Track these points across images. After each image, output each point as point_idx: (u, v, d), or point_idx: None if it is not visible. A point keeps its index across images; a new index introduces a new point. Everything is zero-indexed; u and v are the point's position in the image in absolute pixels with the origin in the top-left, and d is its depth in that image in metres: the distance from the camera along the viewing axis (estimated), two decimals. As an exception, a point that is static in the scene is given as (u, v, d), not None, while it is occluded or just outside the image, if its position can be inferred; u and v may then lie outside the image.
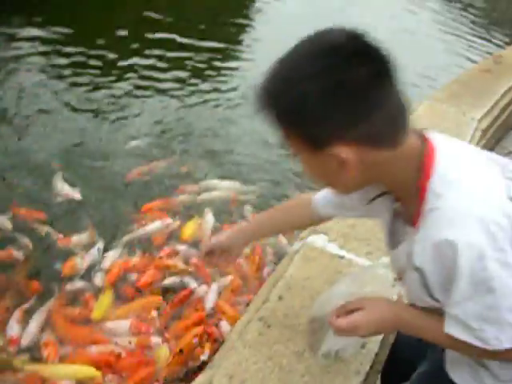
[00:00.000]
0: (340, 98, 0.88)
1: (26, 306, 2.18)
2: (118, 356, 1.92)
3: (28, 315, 2.13)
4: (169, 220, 2.73)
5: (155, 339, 2.00)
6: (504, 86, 3.84)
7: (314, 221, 1.45)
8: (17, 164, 3.22)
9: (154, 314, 2.13)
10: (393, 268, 1.11)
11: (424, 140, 0.98)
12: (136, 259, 2.47)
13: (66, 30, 5.02)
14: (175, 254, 2.53)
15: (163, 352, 1.94)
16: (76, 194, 2.92)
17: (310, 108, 0.89)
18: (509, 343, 0.92)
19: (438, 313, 0.99)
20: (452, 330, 0.95)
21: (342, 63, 0.88)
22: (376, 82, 0.89)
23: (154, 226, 2.70)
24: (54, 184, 3.02)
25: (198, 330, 1.98)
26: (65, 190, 2.97)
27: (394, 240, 1.09)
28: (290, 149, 0.99)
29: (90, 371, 1.86)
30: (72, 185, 3.03)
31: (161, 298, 2.22)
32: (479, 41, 7.12)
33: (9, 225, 2.65)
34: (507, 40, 7.39)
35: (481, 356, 1.02)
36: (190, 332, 1.98)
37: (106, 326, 2.09)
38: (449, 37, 7.04)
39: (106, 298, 2.21)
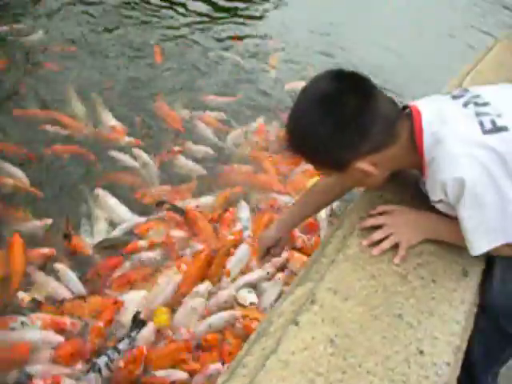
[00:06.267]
0: (344, 130, 1.17)
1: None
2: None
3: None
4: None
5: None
6: None
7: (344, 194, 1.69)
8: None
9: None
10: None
11: (410, 110, 1.27)
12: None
13: None
14: None
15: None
16: None
17: (326, 147, 1.21)
18: None
19: None
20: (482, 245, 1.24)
21: (334, 105, 1.18)
22: (365, 105, 1.18)
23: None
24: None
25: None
26: None
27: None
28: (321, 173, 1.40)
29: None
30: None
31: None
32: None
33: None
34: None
35: None
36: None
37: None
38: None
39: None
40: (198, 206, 2.80)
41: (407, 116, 1.27)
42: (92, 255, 2.48)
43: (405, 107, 1.32)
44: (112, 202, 2.80)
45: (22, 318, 2.08)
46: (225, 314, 2.20)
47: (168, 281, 2.33)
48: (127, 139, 3.27)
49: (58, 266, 2.36)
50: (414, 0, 6.30)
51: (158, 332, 2.14)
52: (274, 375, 1.05)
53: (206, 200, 2.90)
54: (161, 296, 2.28)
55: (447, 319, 1.21)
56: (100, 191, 2.84)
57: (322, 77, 1.24)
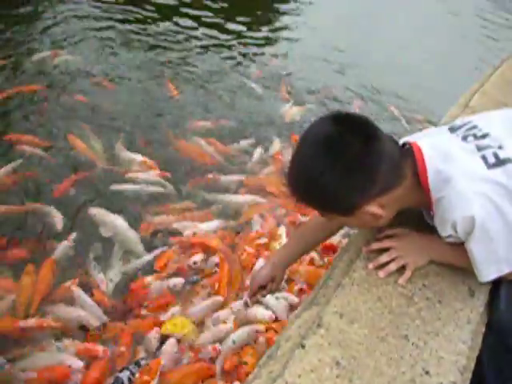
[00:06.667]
0: (352, 175, 1.15)
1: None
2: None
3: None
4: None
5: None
6: None
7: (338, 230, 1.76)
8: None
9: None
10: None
11: (410, 147, 1.27)
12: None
13: None
14: None
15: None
16: None
17: (334, 194, 1.18)
18: None
19: None
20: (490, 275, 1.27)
21: (339, 149, 1.14)
22: (370, 146, 1.15)
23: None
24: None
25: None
26: None
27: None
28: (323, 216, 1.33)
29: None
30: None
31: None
32: None
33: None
34: None
35: None
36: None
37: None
38: None
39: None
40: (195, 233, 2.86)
41: (408, 153, 1.26)
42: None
43: (403, 144, 1.32)
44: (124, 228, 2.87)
45: (58, 344, 2.17)
46: (247, 329, 2.23)
47: (213, 301, 2.41)
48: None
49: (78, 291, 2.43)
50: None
51: (180, 343, 2.22)
52: (281, 398, 1.08)
53: (207, 226, 2.96)
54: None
55: (453, 339, 1.22)
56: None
57: (320, 122, 1.22)
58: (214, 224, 2.98)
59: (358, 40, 5.88)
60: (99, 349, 2.15)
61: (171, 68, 4.72)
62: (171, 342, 2.18)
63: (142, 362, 2.06)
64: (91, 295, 2.46)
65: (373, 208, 1.20)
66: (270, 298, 2.37)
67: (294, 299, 2.42)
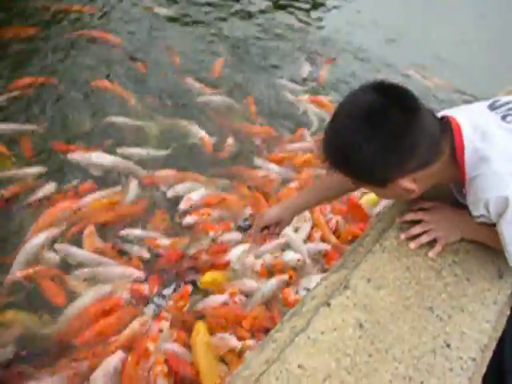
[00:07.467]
0: (392, 149, 1.12)
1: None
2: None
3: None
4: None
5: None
6: None
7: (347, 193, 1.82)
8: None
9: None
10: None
11: (449, 122, 1.24)
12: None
13: None
14: None
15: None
16: None
17: (371, 166, 1.15)
18: None
19: None
20: None
21: (381, 121, 1.11)
22: (412, 121, 1.12)
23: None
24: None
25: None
26: None
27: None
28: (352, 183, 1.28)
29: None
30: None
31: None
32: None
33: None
34: None
35: None
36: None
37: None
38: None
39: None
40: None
41: (447, 128, 1.24)
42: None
43: (441, 118, 1.29)
44: None
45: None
46: (274, 281, 2.28)
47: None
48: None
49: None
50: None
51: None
52: (301, 351, 1.10)
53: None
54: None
55: (477, 317, 1.23)
56: None
57: (361, 91, 1.17)
58: None
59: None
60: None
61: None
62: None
63: (166, 293, 2.14)
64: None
65: (406, 182, 1.19)
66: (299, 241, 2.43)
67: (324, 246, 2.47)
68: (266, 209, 1.93)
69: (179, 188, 2.84)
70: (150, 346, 1.97)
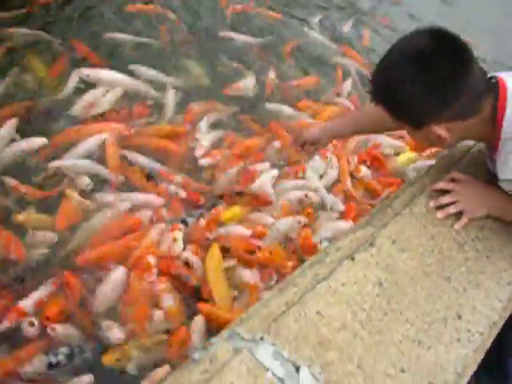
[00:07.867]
0: (434, 93, 1.16)
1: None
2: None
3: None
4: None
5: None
6: None
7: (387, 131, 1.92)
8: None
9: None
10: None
11: (497, 83, 1.24)
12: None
13: None
14: None
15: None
16: None
17: (411, 105, 1.19)
18: None
19: None
20: None
21: (430, 65, 1.15)
22: (459, 71, 1.15)
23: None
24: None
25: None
26: None
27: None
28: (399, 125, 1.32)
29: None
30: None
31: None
32: None
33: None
34: None
35: None
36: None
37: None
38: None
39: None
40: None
41: (493, 87, 1.25)
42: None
43: (491, 77, 1.29)
44: None
45: None
46: (291, 220, 2.28)
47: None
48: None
49: None
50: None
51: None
52: (321, 299, 1.13)
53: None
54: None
55: (491, 294, 1.26)
56: None
57: (419, 32, 1.20)
58: None
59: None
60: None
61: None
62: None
63: (189, 220, 2.16)
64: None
65: (440, 130, 1.22)
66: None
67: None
68: (310, 128, 2.01)
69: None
70: (151, 259, 1.99)
